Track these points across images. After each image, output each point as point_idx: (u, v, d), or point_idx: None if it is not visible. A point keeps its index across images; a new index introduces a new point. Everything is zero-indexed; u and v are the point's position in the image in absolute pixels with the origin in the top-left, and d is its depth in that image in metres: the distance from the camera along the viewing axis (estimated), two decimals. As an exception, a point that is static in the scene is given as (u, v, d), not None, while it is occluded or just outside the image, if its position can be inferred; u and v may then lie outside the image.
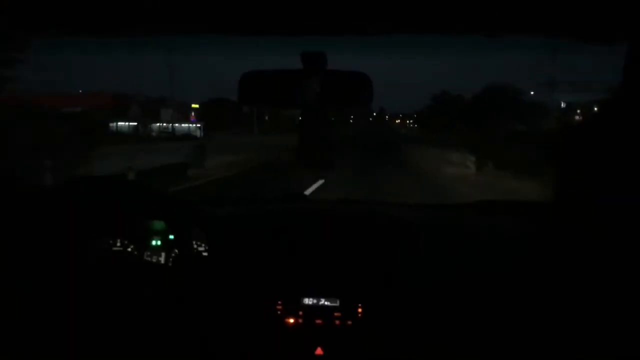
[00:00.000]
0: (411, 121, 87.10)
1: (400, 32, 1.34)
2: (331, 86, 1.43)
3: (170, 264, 1.69)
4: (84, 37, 1.43)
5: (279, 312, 1.56)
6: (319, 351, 1.52)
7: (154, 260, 1.69)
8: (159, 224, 1.72)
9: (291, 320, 1.55)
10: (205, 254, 1.68)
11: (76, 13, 1.19)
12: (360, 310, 1.54)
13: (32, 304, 1.55)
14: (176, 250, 1.69)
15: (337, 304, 1.55)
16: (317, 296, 1.56)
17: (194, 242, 1.70)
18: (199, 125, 41.86)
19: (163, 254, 1.69)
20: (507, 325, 1.47)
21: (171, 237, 1.71)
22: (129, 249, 1.70)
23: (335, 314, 1.54)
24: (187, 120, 42.65)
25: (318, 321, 1.54)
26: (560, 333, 1.36)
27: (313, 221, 1.76)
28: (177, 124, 41.73)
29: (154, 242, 1.71)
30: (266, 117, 48.86)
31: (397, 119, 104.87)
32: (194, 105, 46.55)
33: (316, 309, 1.56)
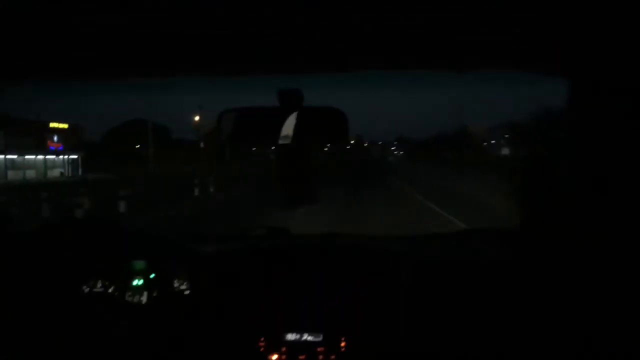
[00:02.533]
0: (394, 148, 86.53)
1: (373, 69, 1.42)
2: (307, 123, 1.45)
3: (151, 303, 1.65)
4: None
5: (262, 349, 1.55)
6: None
7: (136, 300, 1.66)
8: (139, 264, 1.70)
9: (274, 357, 1.54)
10: (187, 292, 1.66)
11: None
12: (343, 344, 1.54)
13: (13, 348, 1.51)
14: (158, 290, 1.66)
15: (320, 338, 1.55)
16: (300, 331, 1.56)
17: (175, 281, 1.67)
18: (68, 156, 29.66)
19: (145, 294, 1.66)
20: (492, 352, 1.50)
21: (152, 276, 1.68)
22: (110, 290, 1.67)
23: (319, 349, 1.54)
24: (42, 148, 28.23)
25: (301, 357, 1.54)
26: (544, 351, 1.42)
27: (295, 257, 1.75)
28: (15, 155, 26.21)
29: (135, 282, 1.68)
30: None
31: (379, 145, 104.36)
32: (56, 125, 30.88)
33: (299, 344, 1.55)
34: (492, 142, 51.43)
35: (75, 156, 30.49)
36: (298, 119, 1.42)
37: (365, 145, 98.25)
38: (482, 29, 1.10)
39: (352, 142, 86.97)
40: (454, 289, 1.58)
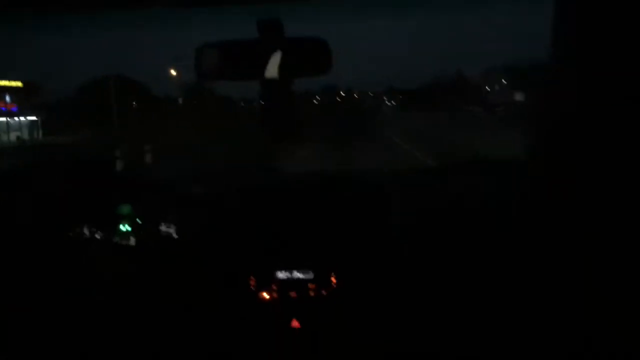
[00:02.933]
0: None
1: None
2: (289, 54, 1.40)
3: (139, 247, 1.67)
4: None
5: (252, 287, 1.56)
6: (295, 323, 1.53)
7: (123, 244, 1.67)
8: (125, 208, 1.69)
9: (265, 295, 1.56)
10: (175, 235, 1.66)
11: None
12: (334, 280, 1.56)
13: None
14: (144, 233, 1.66)
15: (311, 275, 1.56)
16: (291, 269, 1.57)
17: (162, 224, 1.67)
18: (25, 117, 26.27)
19: (132, 238, 1.67)
20: (482, 289, 1.46)
21: (139, 220, 1.68)
22: (97, 236, 1.67)
23: (310, 285, 1.55)
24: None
25: (292, 294, 1.55)
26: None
27: (284, 194, 1.75)
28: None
29: (122, 227, 1.68)
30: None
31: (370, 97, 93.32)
32: (7, 83, 27.15)
33: (290, 282, 1.56)
34: (488, 89, 45.96)
35: (34, 118, 28.10)
36: (278, 49, 1.37)
37: (356, 96, 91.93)
38: None
39: (342, 93, 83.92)
40: (445, 226, 1.58)
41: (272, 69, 1.39)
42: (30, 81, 30.33)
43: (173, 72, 38.72)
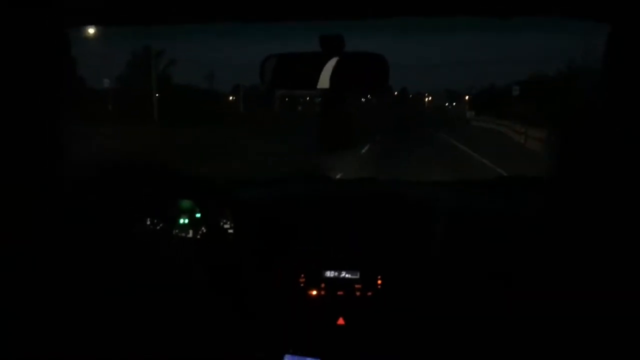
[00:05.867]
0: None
1: (413, 15, 1.40)
2: (350, 67, 1.46)
3: (197, 239, 1.74)
4: None
5: (302, 285, 1.65)
6: (340, 321, 1.60)
7: (182, 235, 1.74)
8: (186, 203, 1.78)
9: (314, 292, 1.64)
10: (231, 231, 1.74)
11: None
12: (379, 281, 1.62)
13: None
14: (203, 228, 1.75)
15: (358, 276, 1.63)
16: (339, 269, 1.64)
17: (220, 220, 1.75)
18: None
19: (190, 232, 1.75)
20: (521, 300, 1.47)
21: (198, 215, 1.76)
22: (158, 228, 1.75)
23: (356, 285, 1.62)
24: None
25: (339, 292, 1.63)
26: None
27: (333, 199, 1.83)
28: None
29: (181, 221, 1.76)
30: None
31: (426, 98, 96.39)
32: None
33: (338, 281, 1.64)
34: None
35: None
36: (339, 62, 1.44)
37: (411, 97, 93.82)
38: None
39: (395, 93, 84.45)
40: (486, 239, 1.61)
41: (331, 81, 1.45)
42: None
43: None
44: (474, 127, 34.96)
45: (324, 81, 1.45)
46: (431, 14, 1.39)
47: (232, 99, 48.52)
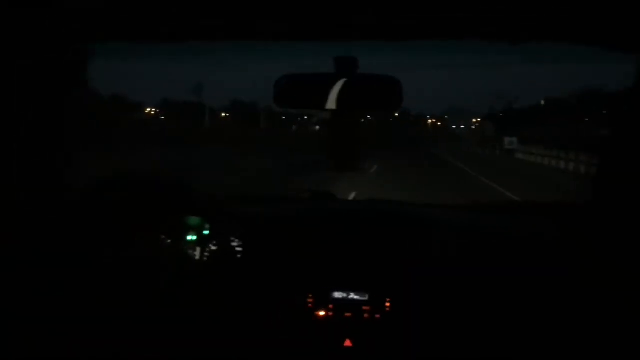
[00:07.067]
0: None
1: (425, 38, 1.42)
2: (362, 89, 1.48)
3: (205, 259, 1.74)
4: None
5: (310, 306, 1.63)
6: (347, 343, 1.58)
7: (189, 254, 1.74)
8: (194, 220, 1.77)
9: (321, 313, 1.62)
10: (239, 249, 1.74)
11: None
12: (388, 304, 1.60)
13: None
14: (211, 246, 1.75)
15: (366, 297, 1.61)
16: (347, 290, 1.63)
17: (229, 238, 1.75)
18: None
19: (198, 249, 1.75)
20: (529, 322, 1.52)
21: (206, 232, 1.76)
22: (167, 242, 1.74)
23: (364, 307, 1.61)
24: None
25: (347, 314, 1.61)
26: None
27: (342, 220, 1.82)
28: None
29: (189, 237, 1.76)
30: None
31: (429, 120, 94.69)
32: None
33: (346, 302, 1.62)
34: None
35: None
36: (346, 84, 1.46)
37: (413, 118, 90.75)
38: None
39: (396, 114, 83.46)
40: (494, 260, 1.61)
41: (338, 102, 1.47)
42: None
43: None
44: (526, 163, 26.13)
45: (331, 102, 1.47)
46: (443, 37, 1.41)
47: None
